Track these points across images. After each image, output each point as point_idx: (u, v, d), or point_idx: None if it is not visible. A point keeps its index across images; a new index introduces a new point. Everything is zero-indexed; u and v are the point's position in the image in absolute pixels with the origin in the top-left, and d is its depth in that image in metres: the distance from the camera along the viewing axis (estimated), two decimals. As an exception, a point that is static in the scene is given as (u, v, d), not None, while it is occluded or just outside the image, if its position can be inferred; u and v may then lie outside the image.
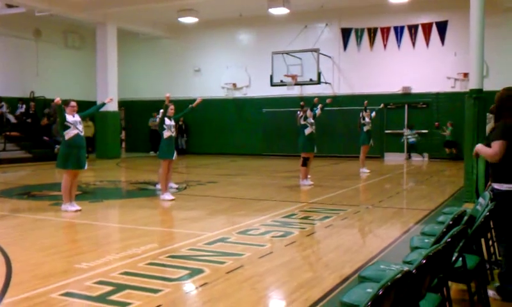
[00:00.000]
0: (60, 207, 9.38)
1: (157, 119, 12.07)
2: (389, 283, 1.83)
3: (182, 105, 24.71)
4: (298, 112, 13.27)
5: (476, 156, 5.23)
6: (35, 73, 23.84)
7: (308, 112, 12.93)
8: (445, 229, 3.13)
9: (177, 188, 12.26)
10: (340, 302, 2.95)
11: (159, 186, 11.59)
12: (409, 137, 21.52)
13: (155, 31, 24.85)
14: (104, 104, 10.38)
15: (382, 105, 17.97)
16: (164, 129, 10.41)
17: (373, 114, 16.35)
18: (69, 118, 9.07)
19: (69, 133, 9.02)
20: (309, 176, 13.25)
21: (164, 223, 9.05)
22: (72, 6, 20.26)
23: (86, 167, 9.39)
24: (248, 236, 7.18)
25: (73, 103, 9.22)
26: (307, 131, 12.81)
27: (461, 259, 3.55)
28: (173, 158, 10.64)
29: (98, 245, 7.02)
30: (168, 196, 10.58)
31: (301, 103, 13.95)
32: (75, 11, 20.65)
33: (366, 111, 15.95)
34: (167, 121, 10.47)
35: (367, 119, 15.88)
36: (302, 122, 12.89)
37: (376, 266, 3.57)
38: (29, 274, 5.45)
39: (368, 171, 15.89)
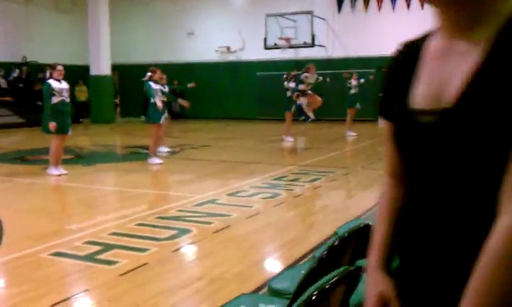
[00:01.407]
0: (46, 171, 9.42)
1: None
2: (346, 234, 1.92)
3: (175, 68, 24.82)
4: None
5: None
6: (27, 37, 23.62)
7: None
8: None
9: (168, 152, 12.32)
10: (313, 256, 3.06)
11: (163, 149, 11.79)
12: None
13: (147, -6, 24.58)
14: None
15: (372, 77, 17.61)
16: (153, 95, 10.37)
17: (361, 80, 16.38)
18: (55, 84, 9.04)
19: (54, 100, 9.02)
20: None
21: (155, 186, 9.16)
22: (62, -32, 19.99)
23: (69, 132, 9.35)
24: (237, 198, 7.29)
25: (59, 67, 9.19)
26: (288, 93, 13.21)
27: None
28: (161, 122, 10.60)
29: (89, 207, 7.13)
30: (155, 160, 10.62)
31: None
32: (66, -27, 20.37)
33: (353, 76, 16.04)
34: (154, 85, 10.42)
35: (354, 83, 15.98)
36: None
37: (353, 223, 3.66)
38: (20, 235, 5.57)
39: (354, 134, 16.00)
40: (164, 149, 12.15)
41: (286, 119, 14.72)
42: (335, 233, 3.65)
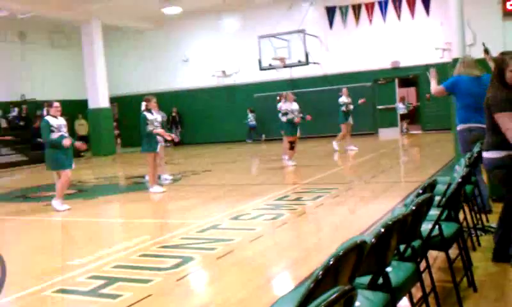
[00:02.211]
0: (51, 202, 9.39)
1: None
2: (341, 253, 1.90)
3: (171, 96, 24.94)
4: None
5: None
6: (24, 76, 23.79)
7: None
8: (414, 199, 3.20)
9: (172, 180, 12.32)
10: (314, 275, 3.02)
11: (164, 176, 11.71)
12: (400, 109, 21.72)
13: (140, 24, 24.78)
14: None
15: (362, 101, 17.39)
16: (147, 124, 10.39)
17: (362, 100, 16.24)
18: (53, 121, 9.07)
19: (53, 136, 9.04)
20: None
21: (157, 215, 9.12)
22: (54, 6, 20.18)
23: (73, 166, 9.37)
24: (240, 222, 7.26)
25: (56, 104, 9.23)
26: (284, 118, 13.10)
27: (437, 227, 3.62)
28: (157, 151, 10.62)
29: (90, 241, 7.09)
30: (157, 189, 10.62)
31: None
32: (58, 10, 20.58)
33: (341, 95, 16.06)
34: (149, 115, 10.45)
35: (345, 100, 15.87)
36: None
37: (353, 240, 3.63)
38: (23, 274, 5.55)
39: (355, 148, 16.00)
40: (167, 177, 12.16)
41: (283, 140, 14.68)
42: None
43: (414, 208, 2.74)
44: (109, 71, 23.34)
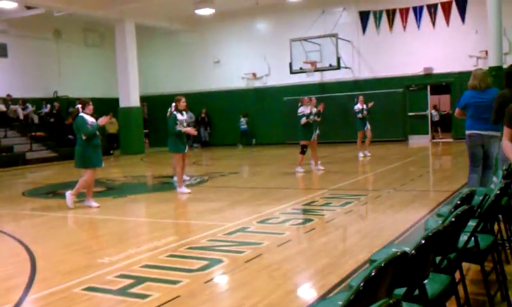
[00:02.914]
0: (84, 203, 9.55)
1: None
2: (382, 264, 1.84)
3: (202, 97, 25.08)
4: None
5: None
6: (57, 73, 24.20)
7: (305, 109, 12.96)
8: (452, 209, 3.11)
9: (194, 180, 12.35)
10: (349, 285, 2.97)
11: (175, 178, 11.74)
12: (434, 116, 21.52)
13: (172, 25, 24.96)
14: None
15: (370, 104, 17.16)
16: (176, 124, 10.42)
17: (369, 104, 16.07)
18: (89, 119, 9.22)
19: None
20: (319, 162, 13.62)
21: (185, 215, 9.15)
22: (89, 4, 20.47)
23: (102, 165, 9.59)
24: (268, 225, 7.22)
25: (90, 104, 9.41)
26: (302, 121, 12.86)
27: (473, 239, 3.53)
28: (185, 151, 10.67)
29: (120, 239, 7.14)
30: (184, 190, 10.66)
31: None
32: (93, 9, 20.86)
33: (357, 103, 15.89)
34: (179, 116, 10.49)
35: (360, 106, 15.72)
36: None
37: (388, 249, 3.56)
38: (53, 271, 5.59)
39: (364, 154, 15.95)
40: (185, 177, 12.20)
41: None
42: (371, 260, 3.56)
43: (454, 219, 2.67)
44: (140, 71, 23.58)
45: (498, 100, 6.52)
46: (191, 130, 10.77)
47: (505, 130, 4.80)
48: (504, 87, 7.23)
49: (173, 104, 10.64)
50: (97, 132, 9.34)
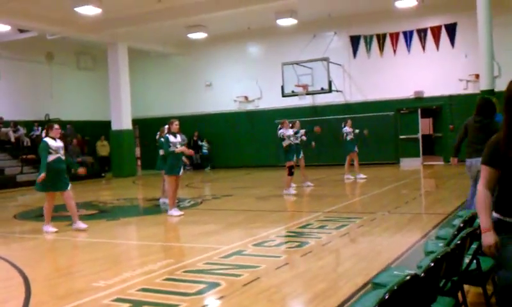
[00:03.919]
0: (45, 228, 9.47)
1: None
2: (395, 287, 1.84)
3: (194, 120, 25.11)
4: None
5: None
6: (49, 95, 24.16)
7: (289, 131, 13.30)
8: (455, 232, 3.11)
9: (183, 203, 12.35)
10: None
11: (162, 200, 11.68)
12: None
13: (165, 48, 25.08)
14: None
15: (357, 131, 17.34)
16: (170, 146, 10.44)
17: (357, 131, 16.27)
18: (51, 143, 9.20)
19: (50, 158, 9.15)
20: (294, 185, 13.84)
21: (180, 238, 9.08)
22: (82, 27, 20.54)
23: (68, 188, 9.41)
24: (264, 248, 7.18)
25: (56, 126, 9.44)
26: (284, 143, 13.07)
27: (475, 261, 3.53)
28: (180, 174, 10.65)
29: (115, 262, 7.07)
30: (175, 212, 10.61)
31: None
32: (86, 32, 20.92)
33: (345, 127, 16.22)
34: (171, 138, 10.50)
35: (348, 129, 16.06)
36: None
37: (389, 272, 3.54)
38: (48, 294, 5.52)
39: (353, 178, 16.12)
40: (163, 200, 12.16)
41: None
42: (373, 283, 3.54)
43: (459, 242, 2.67)
44: (133, 94, 23.60)
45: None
46: (185, 149, 10.74)
47: (484, 171, 3.11)
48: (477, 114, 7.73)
49: (166, 127, 10.67)
50: (63, 157, 9.28)
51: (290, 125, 13.86)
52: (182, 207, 11.46)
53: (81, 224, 9.44)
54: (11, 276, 6.37)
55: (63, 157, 9.35)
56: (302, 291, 5.28)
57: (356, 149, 16.13)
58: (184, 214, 10.68)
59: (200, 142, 24.94)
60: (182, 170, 10.72)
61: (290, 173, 13.03)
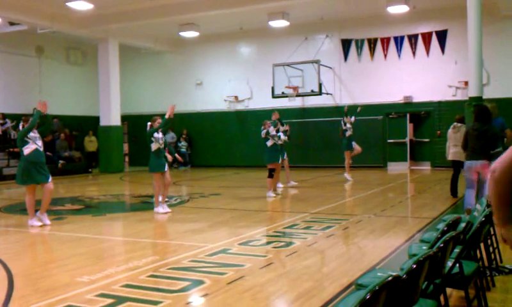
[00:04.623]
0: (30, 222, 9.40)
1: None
2: (377, 287, 1.85)
3: (184, 118, 25.05)
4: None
5: None
6: (38, 89, 23.96)
7: (271, 128, 13.13)
8: (439, 236, 3.14)
9: (170, 201, 12.28)
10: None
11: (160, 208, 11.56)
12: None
13: (156, 46, 24.99)
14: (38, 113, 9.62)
15: (359, 109, 17.81)
16: (152, 142, 10.40)
17: (352, 118, 16.59)
18: (30, 134, 9.13)
19: (28, 149, 9.07)
20: (281, 186, 14.15)
21: (166, 236, 9.07)
22: (73, 22, 20.42)
23: (48, 181, 9.30)
24: (250, 247, 7.19)
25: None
26: (269, 143, 12.90)
27: (457, 265, 3.56)
28: (165, 170, 10.60)
29: (99, 258, 7.04)
30: (161, 209, 10.57)
31: None
32: (77, 27, 20.80)
33: (347, 117, 16.47)
34: (155, 134, 10.46)
35: (348, 125, 16.31)
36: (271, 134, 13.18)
37: (373, 273, 3.57)
38: (31, 288, 5.48)
39: (351, 179, 16.24)
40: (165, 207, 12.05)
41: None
42: (356, 284, 3.56)
43: (442, 245, 2.69)
44: (122, 90, 23.50)
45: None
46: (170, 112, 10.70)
47: None
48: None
49: (149, 123, 10.64)
50: (41, 147, 9.20)
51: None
52: (169, 205, 11.42)
53: (45, 220, 9.34)
54: (-6, 269, 6.32)
55: (41, 149, 9.26)
56: (286, 290, 5.30)
57: (354, 146, 16.24)
58: (171, 212, 10.65)
59: (178, 143, 24.74)
60: (166, 166, 10.67)
61: (270, 175, 12.98)
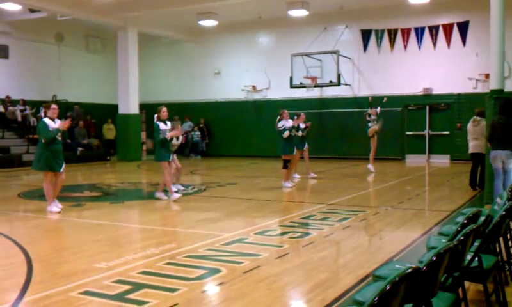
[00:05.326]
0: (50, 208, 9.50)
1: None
2: (397, 279, 1.83)
3: (202, 107, 25.14)
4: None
5: None
6: (57, 77, 24.18)
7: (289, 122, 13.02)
8: (459, 228, 3.11)
9: (187, 190, 12.33)
10: (353, 300, 2.96)
11: (174, 188, 11.56)
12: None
13: (175, 34, 25.03)
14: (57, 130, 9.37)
15: (385, 99, 17.86)
16: (159, 133, 10.47)
17: (378, 109, 16.60)
18: (50, 123, 9.20)
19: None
20: (297, 177, 14.32)
21: (183, 224, 9.10)
22: (93, 10, 20.52)
23: (61, 170, 9.39)
24: (266, 237, 7.19)
25: (54, 106, 9.43)
26: (285, 134, 12.77)
27: (477, 259, 3.52)
28: (169, 160, 10.69)
29: (117, 245, 7.10)
30: (162, 196, 10.83)
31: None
32: (97, 15, 20.90)
33: (371, 108, 16.47)
34: (162, 125, 10.51)
35: (373, 117, 16.31)
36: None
37: (391, 265, 3.55)
38: (49, 273, 5.55)
39: (374, 170, 16.30)
40: (179, 187, 12.11)
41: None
42: (374, 276, 3.54)
43: (462, 238, 2.66)
44: (141, 78, 23.60)
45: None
46: (174, 133, 10.75)
47: None
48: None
49: (156, 115, 10.67)
50: (59, 137, 9.27)
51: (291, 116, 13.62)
52: (185, 194, 11.47)
53: (54, 208, 9.42)
54: (13, 254, 6.41)
55: (60, 138, 9.35)
56: (302, 280, 5.29)
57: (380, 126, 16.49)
58: (168, 199, 10.71)
59: (192, 133, 24.81)
60: (174, 155, 10.92)
61: (285, 166, 12.94)
